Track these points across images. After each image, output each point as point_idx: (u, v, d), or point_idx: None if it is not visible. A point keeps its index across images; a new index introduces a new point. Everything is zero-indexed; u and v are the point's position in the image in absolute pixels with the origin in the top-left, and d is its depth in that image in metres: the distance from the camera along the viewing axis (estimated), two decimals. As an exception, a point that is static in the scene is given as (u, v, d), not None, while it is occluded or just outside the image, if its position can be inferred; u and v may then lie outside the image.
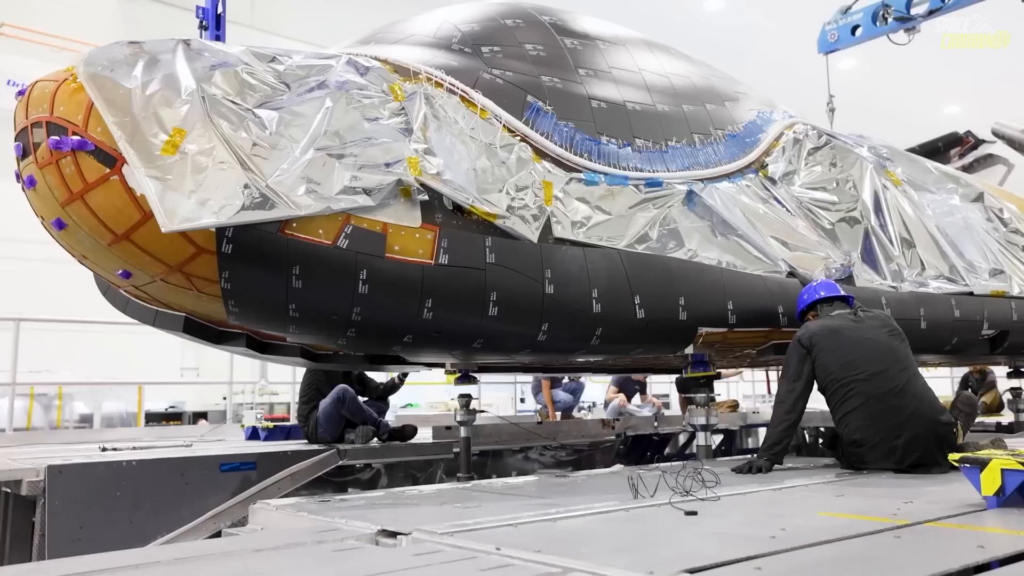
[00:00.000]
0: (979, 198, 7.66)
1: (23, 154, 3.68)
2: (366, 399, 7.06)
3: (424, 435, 7.09)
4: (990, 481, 3.06)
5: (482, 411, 8.44)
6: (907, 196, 6.79)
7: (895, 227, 6.39)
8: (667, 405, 12.70)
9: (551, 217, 4.50)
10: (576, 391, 10.97)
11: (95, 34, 12.42)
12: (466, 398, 6.18)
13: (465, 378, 6.09)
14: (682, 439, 9.61)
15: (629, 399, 11.11)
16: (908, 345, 4.85)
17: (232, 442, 7.32)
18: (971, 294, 6.57)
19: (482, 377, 7.33)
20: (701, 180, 5.31)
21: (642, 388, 11.54)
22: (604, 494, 3.78)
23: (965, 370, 11.53)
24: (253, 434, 7.50)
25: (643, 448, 9.05)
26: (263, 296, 3.91)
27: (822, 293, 5.11)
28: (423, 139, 4.19)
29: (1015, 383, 8.66)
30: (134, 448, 6.22)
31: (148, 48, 3.77)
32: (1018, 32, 14.02)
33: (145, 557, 2.57)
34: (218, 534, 4.82)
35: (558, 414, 10.52)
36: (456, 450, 6.44)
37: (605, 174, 4.85)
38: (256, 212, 3.53)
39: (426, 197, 4.06)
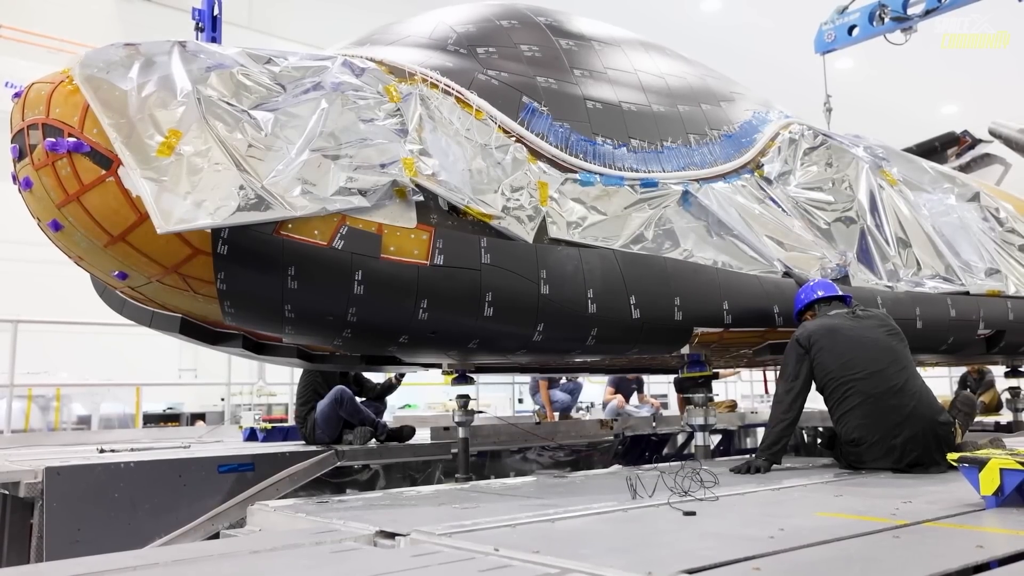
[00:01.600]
0: (975, 198, 7.67)
1: (19, 156, 3.68)
2: (363, 400, 7.06)
3: (422, 436, 7.09)
4: (989, 481, 3.07)
5: (480, 412, 8.45)
6: (903, 196, 6.79)
7: (891, 227, 6.39)
8: (665, 405, 12.70)
9: (546, 217, 4.50)
10: (574, 391, 10.97)
11: (92, 35, 12.41)
12: (464, 399, 6.18)
13: (462, 379, 6.08)
14: (680, 439, 9.61)
15: (627, 399, 11.12)
16: (907, 344, 4.85)
17: (230, 443, 7.31)
18: (967, 294, 6.57)
19: (480, 377, 7.33)
20: (697, 180, 5.31)
21: (639, 386, 11.55)
22: (602, 495, 3.79)
23: (963, 370, 11.55)
24: (251, 435, 7.49)
25: (641, 448, 9.05)
26: (259, 297, 3.91)
27: (820, 293, 5.12)
28: (418, 140, 4.19)
29: (1013, 382, 8.67)
30: (132, 449, 6.22)
31: (144, 50, 3.77)
32: (1018, 32, 14.02)
33: (143, 559, 2.56)
34: (216, 535, 4.83)
35: (556, 415, 10.52)
36: (454, 451, 6.43)
37: (601, 174, 4.84)
38: (252, 213, 3.52)
39: (421, 198, 4.06)
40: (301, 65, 4.18)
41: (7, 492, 5.07)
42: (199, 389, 14.83)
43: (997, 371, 10.25)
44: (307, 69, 4.17)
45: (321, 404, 6.71)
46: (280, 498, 5.22)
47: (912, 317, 6.01)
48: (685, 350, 5.16)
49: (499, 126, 4.59)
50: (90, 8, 15.82)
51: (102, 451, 6.12)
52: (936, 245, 6.68)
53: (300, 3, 17.58)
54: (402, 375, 7.32)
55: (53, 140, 3.52)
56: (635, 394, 11.45)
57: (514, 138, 4.62)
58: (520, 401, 14.16)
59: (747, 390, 15.43)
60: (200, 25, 9.78)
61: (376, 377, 7.49)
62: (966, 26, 12.90)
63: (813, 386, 4.81)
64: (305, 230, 3.77)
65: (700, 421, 5.49)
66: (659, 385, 14.00)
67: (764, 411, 9.25)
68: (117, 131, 3.48)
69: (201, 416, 13.68)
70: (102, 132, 3.49)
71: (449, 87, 4.57)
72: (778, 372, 5.73)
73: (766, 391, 11.45)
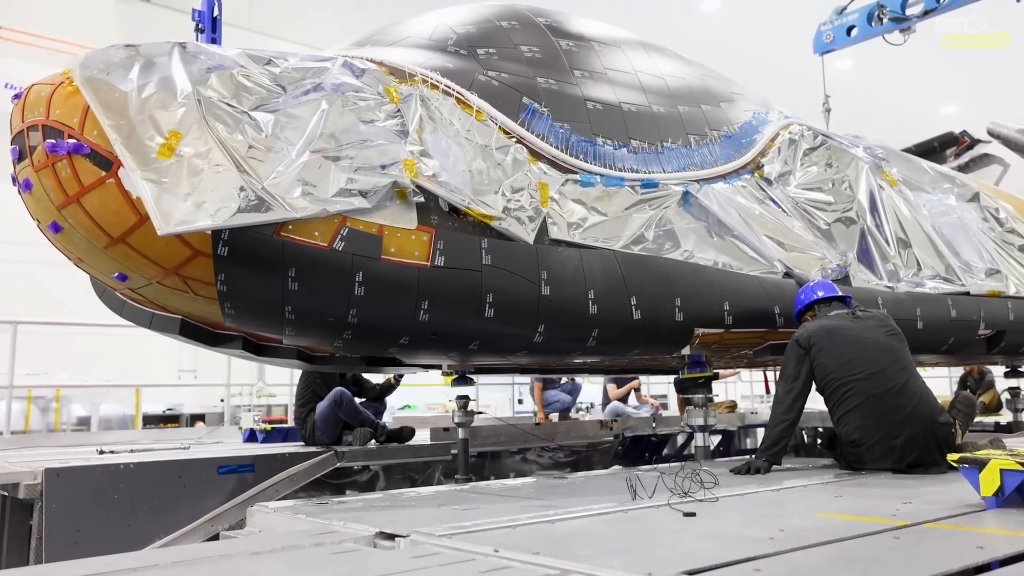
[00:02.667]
0: (975, 198, 7.67)
1: (19, 157, 3.68)
2: (363, 401, 7.05)
3: (422, 437, 7.09)
4: (989, 481, 3.07)
5: (480, 412, 8.44)
6: (903, 196, 6.80)
7: (891, 227, 6.40)
8: (665, 406, 12.69)
9: (547, 218, 4.50)
10: (574, 392, 10.97)
11: (91, 37, 12.39)
12: (464, 400, 6.17)
13: (462, 379, 6.08)
14: (680, 440, 9.61)
15: (624, 400, 11.12)
16: (907, 345, 4.85)
17: (230, 444, 7.31)
18: (967, 294, 6.57)
19: (480, 378, 7.32)
20: (697, 181, 5.31)
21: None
22: (602, 495, 3.78)
23: (963, 370, 11.55)
24: (251, 436, 7.49)
25: (641, 449, 9.05)
26: (259, 298, 3.90)
27: (820, 293, 5.12)
28: (419, 141, 4.19)
29: (1013, 383, 8.67)
30: (131, 451, 6.21)
31: (144, 51, 3.77)
32: (1018, 32, 14.02)
33: (143, 560, 2.56)
34: (216, 537, 4.82)
35: (554, 416, 10.50)
36: (454, 452, 6.43)
37: (601, 175, 4.84)
38: (252, 214, 3.52)
39: (422, 199, 4.06)
40: (301, 66, 4.18)
41: (7, 493, 5.06)
42: (199, 390, 14.82)
43: (997, 371, 10.25)
44: (307, 70, 4.17)
45: (320, 405, 6.71)
46: (280, 499, 5.22)
47: (912, 317, 6.01)
48: (686, 351, 5.16)
49: (499, 127, 4.59)
50: (90, 9, 15.81)
51: (102, 452, 6.11)
52: (936, 245, 6.68)
53: (300, 4, 17.56)
54: (401, 376, 7.32)
55: (53, 141, 3.52)
56: (632, 393, 11.44)
57: (514, 139, 4.62)
58: (520, 402, 14.15)
59: (747, 390, 15.43)
60: (200, 26, 9.76)
61: (375, 378, 7.49)
62: (966, 26, 12.90)
63: (813, 387, 4.81)
64: (305, 231, 3.76)
65: (700, 422, 5.49)
66: (659, 385, 14.00)
67: (764, 412, 9.25)
68: (117, 132, 3.47)
69: (201, 417, 13.68)
70: (102, 133, 3.49)
71: (449, 88, 4.57)
72: (778, 373, 5.73)
73: (766, 391, 11.47)
